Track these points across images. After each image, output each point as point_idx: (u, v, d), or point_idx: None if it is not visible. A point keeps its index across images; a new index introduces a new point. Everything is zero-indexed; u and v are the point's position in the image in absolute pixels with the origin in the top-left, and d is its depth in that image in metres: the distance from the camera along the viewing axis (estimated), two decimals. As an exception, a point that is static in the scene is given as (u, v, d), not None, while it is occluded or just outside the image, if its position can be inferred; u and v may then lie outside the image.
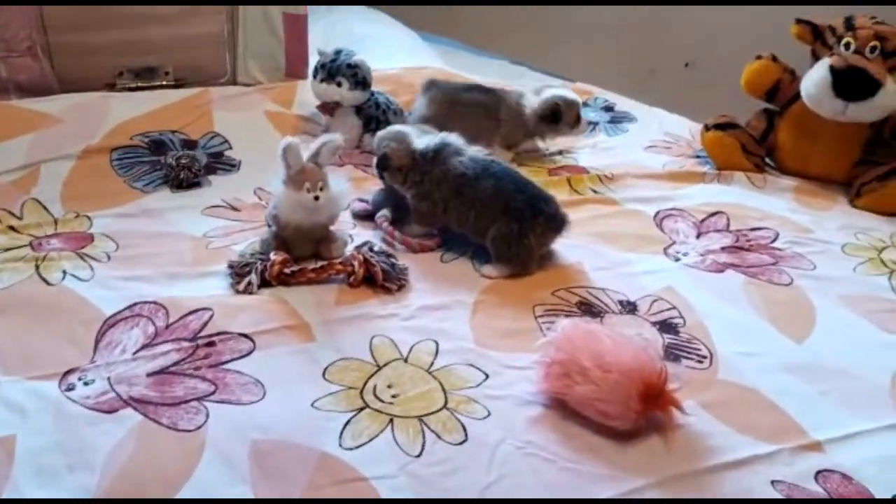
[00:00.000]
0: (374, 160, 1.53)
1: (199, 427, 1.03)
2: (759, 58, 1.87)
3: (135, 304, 1.24)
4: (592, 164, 1.88)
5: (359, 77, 1.77)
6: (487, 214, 1.42)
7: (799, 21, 1.79)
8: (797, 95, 1.81)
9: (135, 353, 1.15)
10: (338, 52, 1.79)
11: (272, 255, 1.33)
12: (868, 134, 1.79)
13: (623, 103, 2.25)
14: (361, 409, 1.08)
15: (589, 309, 1.35)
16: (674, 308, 1.37)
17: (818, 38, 1.77)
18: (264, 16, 1.98)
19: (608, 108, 2.22)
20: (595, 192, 1.76)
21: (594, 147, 1.99)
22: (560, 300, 1.37)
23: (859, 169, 1.79)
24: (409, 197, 1.50)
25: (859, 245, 1.61)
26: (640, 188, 1.79)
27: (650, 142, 2.03)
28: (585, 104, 2.24)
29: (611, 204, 1.71)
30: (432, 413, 1.08)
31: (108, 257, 1.38)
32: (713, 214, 1.68)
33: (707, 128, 1.91)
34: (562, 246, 1.49)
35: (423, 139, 1.49)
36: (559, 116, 1.83)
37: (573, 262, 1.48)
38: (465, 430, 1.06)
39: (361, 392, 1.11)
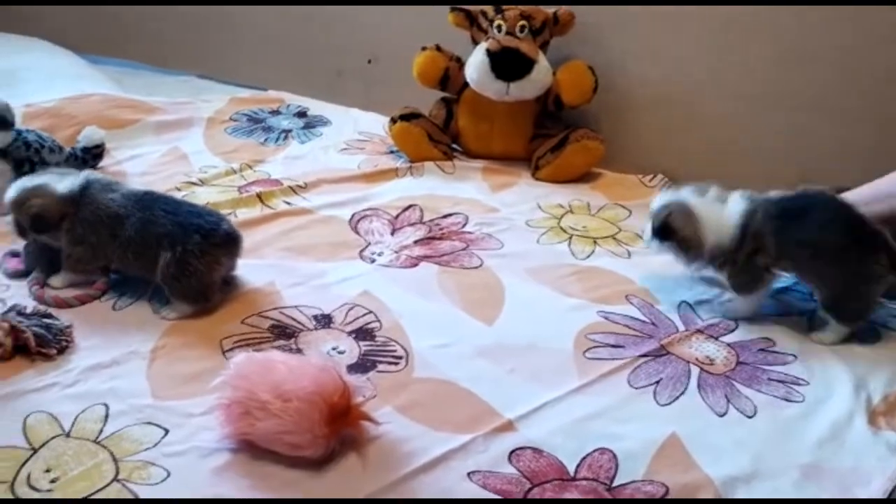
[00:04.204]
0: (17, 224, 1.35)
1: None
2: (424, 49, 1.88)
3: None
4: (285, 175, 1.81)
5: (-6, 117, 1.55)
6: (144, 251, 1.30)
7: (454, 9, 1.82)
8: (467, 81, 1.85)
9: None
10: (-37, 93, 1.56)
11: None
12: (536, 109, 1.88)
13: (316, 107, 2.21)
14: (11, 508, 0.93)
15: (283, 331, 1.28)
16: (370, 312, 1.34)
17: (473, 24, 1.82)
18: None
19: (301, 114, 2.17)
20: (288, 203, 1.69)
21: (286, 157, 1.92)
22: (251, 328, 1.29)
23: (535, 143, 1.88)
24: (63, 244, 1.34)
25: (542, 217, 1.69)
26: (335, 193, 1.75)
27: (345, 143, 2.00)
28: (278, 112, 2.18)
29: (304, 214, 1.66)
30: (98, 491, 0.96)
31: None
32: (407, 209, 1.68)
33: (394, 120, 1.90)
34: (250, 268, 1.41)
35: (65, 181, 1.35)
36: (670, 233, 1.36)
37: (264, 283, 1.40)
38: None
39: (13, 485, 0.96)
